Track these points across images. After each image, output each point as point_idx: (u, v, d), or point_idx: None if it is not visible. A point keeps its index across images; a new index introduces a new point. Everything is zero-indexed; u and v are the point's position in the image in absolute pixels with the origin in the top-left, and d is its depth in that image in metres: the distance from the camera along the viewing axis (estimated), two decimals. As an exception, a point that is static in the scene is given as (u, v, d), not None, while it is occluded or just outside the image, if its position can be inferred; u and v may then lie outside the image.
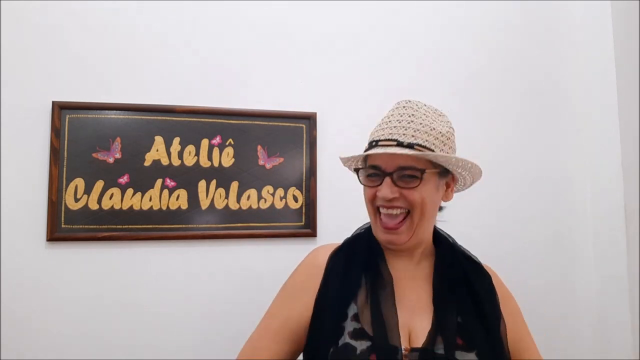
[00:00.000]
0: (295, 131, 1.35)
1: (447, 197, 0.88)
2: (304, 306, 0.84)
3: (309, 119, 1.35)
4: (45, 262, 1.18)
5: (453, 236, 0.95)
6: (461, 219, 1.44)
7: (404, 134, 0.80)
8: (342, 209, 1.34)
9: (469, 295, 0.84)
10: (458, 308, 0.82)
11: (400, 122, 0.82)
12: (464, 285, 0.85)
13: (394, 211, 0.81)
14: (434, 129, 0.81)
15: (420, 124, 0.82)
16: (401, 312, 0.80)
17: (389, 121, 0.85)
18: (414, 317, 0.81)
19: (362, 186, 0.88)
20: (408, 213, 0.81)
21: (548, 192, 1.51)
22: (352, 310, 0.80)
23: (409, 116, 0.83)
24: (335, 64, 1.40)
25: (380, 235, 0.84)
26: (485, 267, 0.91)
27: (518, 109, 1.52)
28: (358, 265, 0.86)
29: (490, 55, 1.51)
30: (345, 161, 0.90)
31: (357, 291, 0.82)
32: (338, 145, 1.35)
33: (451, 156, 0.80)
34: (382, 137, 0.82)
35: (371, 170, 0.83)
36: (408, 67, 1.45)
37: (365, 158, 0.86)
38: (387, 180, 0.80)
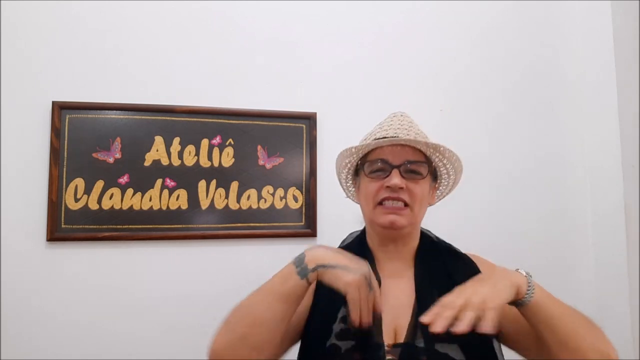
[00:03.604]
0: (295, 131, 1.35)
1: (432, 200, 0.93)
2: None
3: (309, 119, 1.35)
4: (45, 262, 1.18)
5: (449, 234, 0.97)
6: (461, 219, 1.44)
7: (407, 134, 0.85)
8: (342, 209, 1.33)
9: (450, 287, 0.83)
10: (440, 300, 0.82)
11: (401, 125, 0.88)
12: (445, 277, 0.85)
13: (399, 203, 0.83)
14: (428, 137, 0.89)
15: (420, 130, 0.89)
16: (388, 311, 0.81)
17: (391, 123, 0.89)
18: (399, 314, 0.82)
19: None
20: (407, 206, 0.85)
21: (548, 192, 1.51)
22: (342, 312, 0.81)
23: (408, 123, 0.89)
24: (335, 64, 1.40)
25: (381, 218, 0.84)
26: (470, 256, 0.92)
27: (518, 109, 1.51)
28: None
29: (490, 56, 1.51)
30: (347, 156, 0.91)
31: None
32: (338, 145, 1.34)
33: (448, 147, 0.86)
34: (387, 135, 0.85)
35: (378, 164, 0.85)
36: (408, 67, 1.44)
37: (364, 156, 0.89)
38: (396, 171, 0.83)
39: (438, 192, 0.96)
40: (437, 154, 0.88)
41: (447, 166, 0.90)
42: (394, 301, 0.83)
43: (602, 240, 1.47)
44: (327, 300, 0.83)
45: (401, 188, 0.82)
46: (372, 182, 0.86)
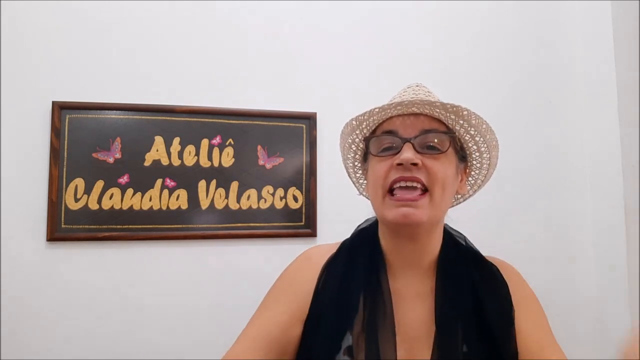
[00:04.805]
0: (295, 131, 1.35)
1: (461, 189, 0.77)
2: (292, 314, 0.72)
3: (309, 119, 1.35)
4: (45, 262, 1.18)
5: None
6: (459, 219, 1.44)
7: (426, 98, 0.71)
8: (342, 209, 1.33)
9: (476, 312, 0.70)
10: (464, 332, 0.69)
11: (416, 94, 0.73)
12: (470, 295, 0.71)
13: (414, 183, 0.66)
14: None
15: (439, 98, 0.73)
16: (400, 341, 0.68)
17: (404, 93, 0.75)
18: (414, 346, 0.69)
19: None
20: (426, 192, 0.67)
21: (548, 192, 1.51)
22: (347, 341, 0.68)
23: (425, 92, 0.75)
24: (335, 64, 1.40)
25: (392, 211, 0.67)
26: (496, 263, 0.79)
27: (518, 109, 1.51)
28: (357, 281, 0.72)
29: (489, 56, 1.51)
30: (349, 133, 0.76)
31: (354, 317, 0.70)
32: (338, 146, 1.35)
33: (474, 112, 0.69)
34: (403, 100, 0.69)
35: (386, 139, 0.69)
36: (409, 67, 1.44)
37: (372, 133, 0.74)
38: (408, 145, 0.66)
39: (471, 178, 0.79)
40: (461, 121, 0.69)
41: (476, 138, 0.72)
42: (408, 325, 0.70)
43: (602, 240, 1.47)
44: (328, 324, 0.69)
45: (415, 164, 0.65)
46: (380, 162, 0.69)
